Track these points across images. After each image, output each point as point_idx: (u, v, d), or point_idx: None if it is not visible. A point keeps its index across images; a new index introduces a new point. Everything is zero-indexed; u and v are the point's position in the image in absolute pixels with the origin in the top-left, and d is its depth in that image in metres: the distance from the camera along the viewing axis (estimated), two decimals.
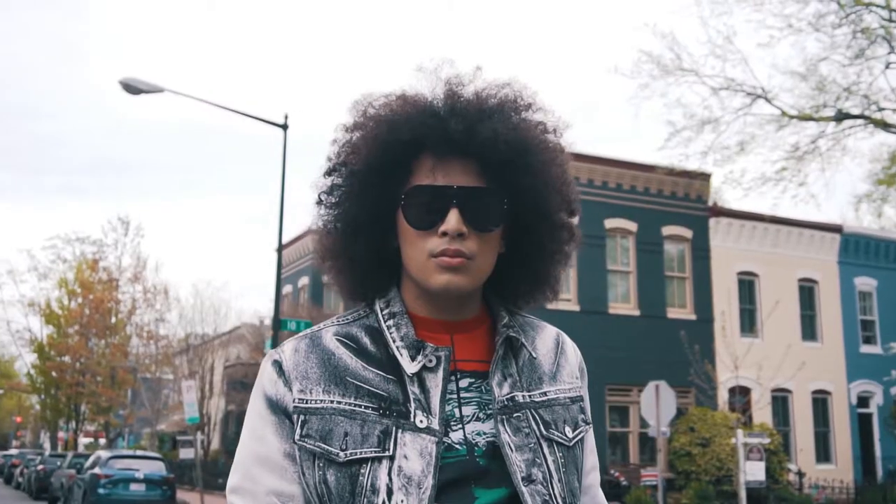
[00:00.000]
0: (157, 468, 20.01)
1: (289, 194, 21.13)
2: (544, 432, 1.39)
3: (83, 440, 45.80)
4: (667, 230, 24.86)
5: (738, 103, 23.05)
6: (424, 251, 1.37)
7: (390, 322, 1.42)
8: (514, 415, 1.38)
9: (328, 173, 1.47)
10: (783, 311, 25.04)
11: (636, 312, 24.00)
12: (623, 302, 24.12)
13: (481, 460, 1.33)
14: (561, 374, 1.49)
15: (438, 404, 1.34)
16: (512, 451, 1.34)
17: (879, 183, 40.70)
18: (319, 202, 1.48)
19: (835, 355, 27.67)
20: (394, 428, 1.32)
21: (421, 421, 1.33)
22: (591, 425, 1.51)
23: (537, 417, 1.40)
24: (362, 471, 1.29)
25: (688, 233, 25.10)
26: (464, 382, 1.40)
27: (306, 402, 1.35)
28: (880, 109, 23.53)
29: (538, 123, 1.44)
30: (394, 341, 1.40)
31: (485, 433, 1.36)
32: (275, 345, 19.32)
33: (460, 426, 1.35)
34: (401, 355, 1.38)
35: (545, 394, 1.44)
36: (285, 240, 26.99)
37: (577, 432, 1.45)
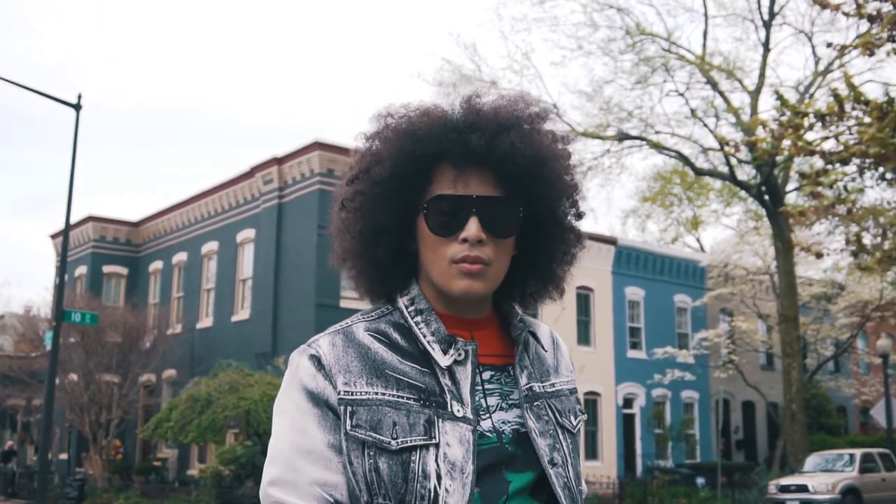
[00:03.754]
0: None
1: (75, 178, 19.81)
2: (559, 419, 1.52)
3: None
4: None
5: None
6: (445, 257, 1.46)
7: (418, 318, 1.50)
8: (535, 403, 1.50)
9: (351, 181, 1.53)
10: (562, 317, 26.49)
11: None
12: None
13: (510, 447, 1.44)
14: (560, 367, 1.63)
15: (469, 395, 1.44)
16: (537, 436, 1.46)
17: (644, 200, 44.01)
18: (342, 207, 1.54)
19: (605, 359, 29.61)
20: (435, 417, 1.40)
21: (458, 410, 1.41)
22: (585, 415, 1.66)
23: (552, 406, 1.53)
24: (413, 458, 1.36)
25: None
26: (486, 375, 1.50)
27: (352, 395, 1.41)
28: (657, 133, 25.46)
29: (548, 132, 1.53)
30: (424, 336, 1.48)
31: (509, 421, 1.47)
32: (56, 337, 18.19)
33: (488, 415, 1.45)
34: (433, 349, 1.46)
35: (553, 385, 1.57)
36: (60, 227, 25.40)
37: (577, 421, 1.59)
